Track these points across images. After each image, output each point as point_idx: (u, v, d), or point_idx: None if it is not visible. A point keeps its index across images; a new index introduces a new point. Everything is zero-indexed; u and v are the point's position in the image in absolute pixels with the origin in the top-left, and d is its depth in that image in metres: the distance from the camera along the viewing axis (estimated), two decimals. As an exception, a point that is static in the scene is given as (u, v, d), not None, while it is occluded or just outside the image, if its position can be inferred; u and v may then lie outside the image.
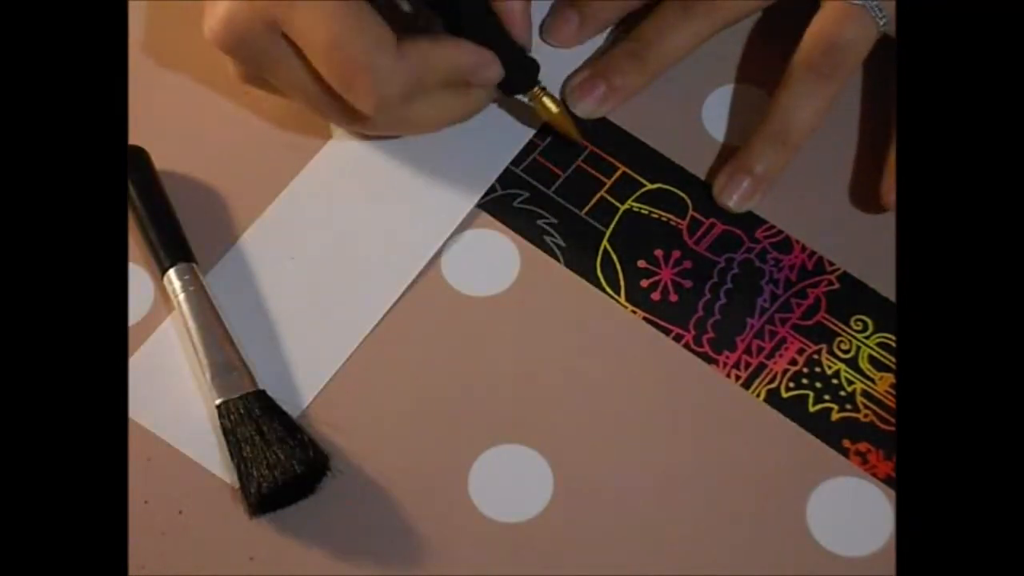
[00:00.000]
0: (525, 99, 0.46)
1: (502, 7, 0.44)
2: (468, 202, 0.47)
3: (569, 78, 0.49)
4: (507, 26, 0.44)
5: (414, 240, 0.46)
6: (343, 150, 0.48)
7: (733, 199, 0.46)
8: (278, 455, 0.40)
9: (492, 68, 0.44)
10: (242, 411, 0.41)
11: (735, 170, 0.46)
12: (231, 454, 0.41)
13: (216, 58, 0.43)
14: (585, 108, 0.48)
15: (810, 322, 0.45)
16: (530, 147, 0.48)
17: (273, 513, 0.41)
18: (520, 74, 0.45)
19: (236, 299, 0.44)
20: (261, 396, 0.42)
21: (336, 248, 0.46)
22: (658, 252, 0.46)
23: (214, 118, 0.48)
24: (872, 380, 0.44)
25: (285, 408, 0.42)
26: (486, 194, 0.47)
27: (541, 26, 0.49)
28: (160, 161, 0.46)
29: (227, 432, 0.41)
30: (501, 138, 0.48)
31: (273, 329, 0.44)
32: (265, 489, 0.40)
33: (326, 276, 0.45)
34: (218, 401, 0.42)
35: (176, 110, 0.49)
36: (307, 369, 0.44)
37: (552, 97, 0.46)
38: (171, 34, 0.50)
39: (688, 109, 0.49)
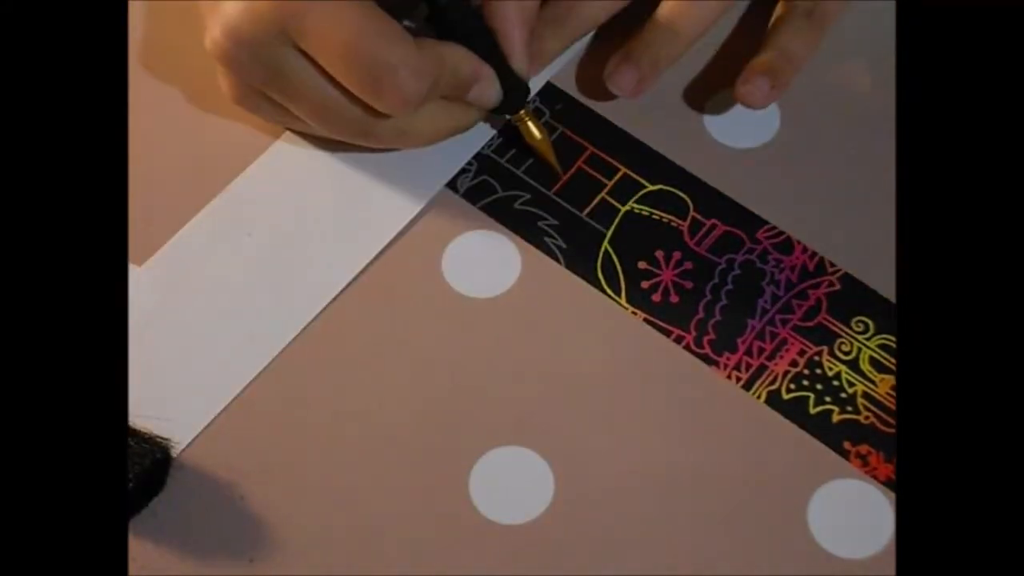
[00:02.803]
0: (511, 119, 0.47)
1: (500, 29, 0.44)
2: (435, 185, 0.47)
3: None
4: (503, 48, 0.44)
5: (366, 229, 0.46)
6: (290, 152, 0.48)
7: (620, 87, 0.47)
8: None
9: (491, 87, 0.44)
10: None
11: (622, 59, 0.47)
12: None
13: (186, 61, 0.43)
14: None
15: (811, 323, 0.45)
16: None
17: (273, 513, 0.41)
18: (510, 95, 0.45)
19: (179, 286, 0.45)
20: None
21: (287, 233, 0.46)
22: (659, 253, 0.46)
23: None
24: (873, 382, 0.44)
25: (236, 391, 0.43)
26: (487, 195, 0.47)
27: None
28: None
29: None
30: (460, 137, 0.48)
31: (216, 317, 0.45)
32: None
33: (276, 258, 0.46)
34: None
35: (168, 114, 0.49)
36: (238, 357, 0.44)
37: (537, 123, 0.47)
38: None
39: (690, 110, 0.49)
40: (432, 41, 0.42)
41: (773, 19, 0.48)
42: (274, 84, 0.42)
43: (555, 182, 0.48)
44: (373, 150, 0.47)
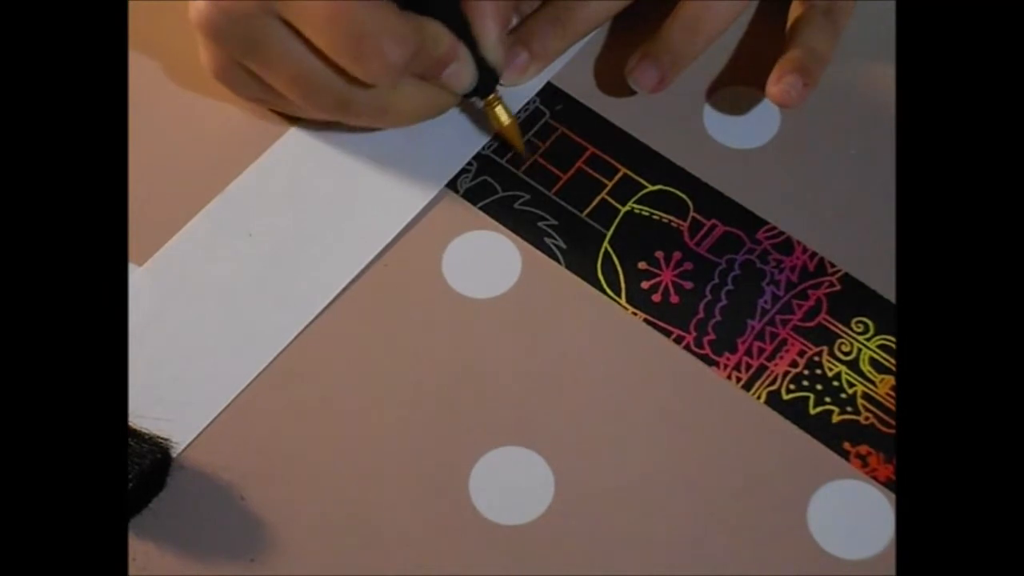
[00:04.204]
0: (479, 104, 0.47)
1: (474, 20, 0.44)
2: (435, 185, 0.47)
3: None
4: (477, 37, 0.44)
5: (366, 229, 0.46)
6: (305, 136, 0.48)
7: (641, 85, 0.47)
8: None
9: (466, 68, 0.44)
10: None
11: (643, 56, 0.47)
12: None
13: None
14: (509, 77, 0.48)
15: (811, 324, 0.45)
16: (531, 148, 0.48)
17: (273, 513, 0.41)
18: (480, 79, 0.45)
19: (179, 286, 0.45)
20: None
21: (287, 233, 0.46)
22: (659, 254, 0.46)
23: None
24: (873, 382, 0.44)
25: (236, 391, 0.43)
26: (487, 196, 0.47)
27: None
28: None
29: None
30: (473, 124, 0.49)
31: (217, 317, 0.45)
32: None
33: (277, 258, 0.46)
34: None
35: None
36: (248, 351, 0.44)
37: (505, 107, 0.47)
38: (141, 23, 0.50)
39: (689, 110, 0.49)
40: (412, 14, 0.42)
41: (792, 19, 0.48)
42: (254, 55, 0.42)
43: (555, 183, 0.48)
44: (372, 147, 0.47)
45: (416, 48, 0.41)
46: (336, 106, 0.43)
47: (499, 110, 0.47)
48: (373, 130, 0.48)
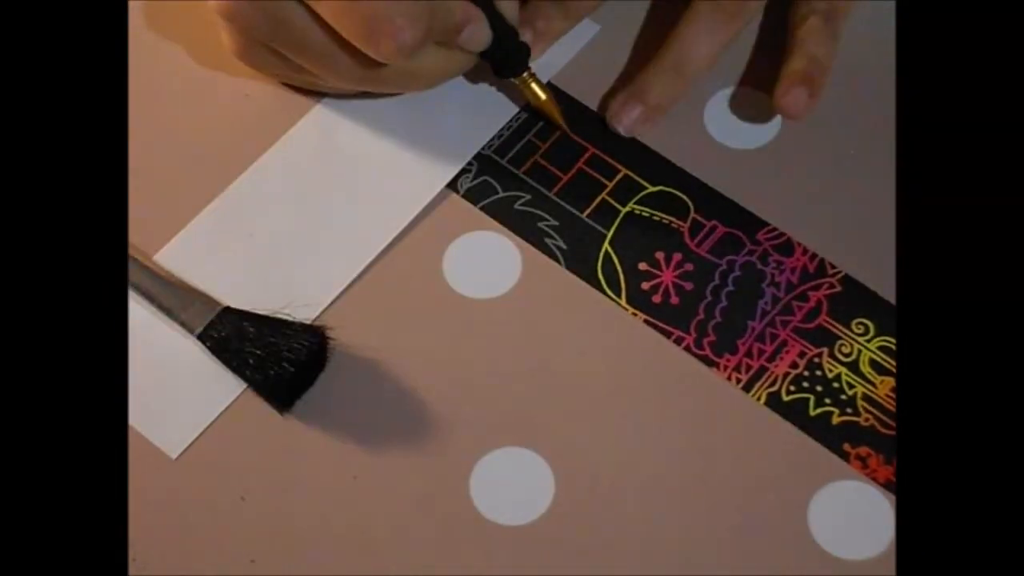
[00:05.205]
0: (515, 82, 0.48)
1: None
2: (436, 185, 0.47)
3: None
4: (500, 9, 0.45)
5: (367, 229, 0.47)
6: (308, 134, 0.48)
7: (623, 124, 0.48)
8: (280, 346, 0.42)
9: (481, 29, 0.44)
10: (224, 328, 0.43)
11: (629, 97, 0.48)
12: (235, 369, 0.42)
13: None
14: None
15: (811, 325, 0.45)
16: (531, 149, 0.48)
17: (273, 513, 0.41)
18: (511, 57, 0.46)
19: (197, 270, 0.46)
20: (230, 310, 0.43)
21: (287, 233, 0.47)
22: (659, 254, 0.46)
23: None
24: (873, 384, 0.44)
25: (238, 391, 0.43)
26: (488, 196, 0.47)
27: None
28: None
29: (222, 351, 0.43)
30: (474, 123, 0.49)
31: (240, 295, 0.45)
32: (287, 377, 0.42)
33: (277, 258, 0.46)
34: (198, 331, 0.43)
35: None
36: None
37: (540, 83, 0.48)
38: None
39: (690, 112, 0.49)
40: None
41: (794, 24, 0.48)
42: (279, 37, 0.43)
43: (556, 183, 0.48)
44: (371, 148, 0.47)
45: (428, 25, 0.41)
46: (362, 79, 0.44)
47: (534, 87, 0.47)
48: (371, 129, 0.48)
